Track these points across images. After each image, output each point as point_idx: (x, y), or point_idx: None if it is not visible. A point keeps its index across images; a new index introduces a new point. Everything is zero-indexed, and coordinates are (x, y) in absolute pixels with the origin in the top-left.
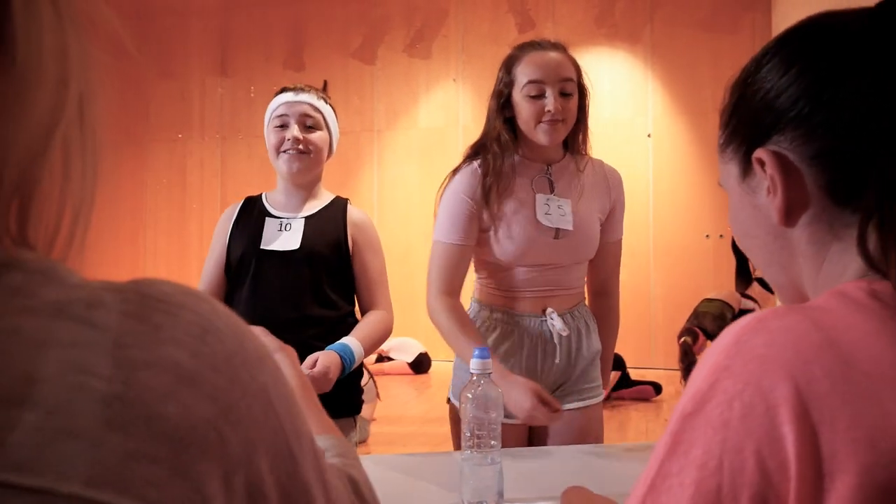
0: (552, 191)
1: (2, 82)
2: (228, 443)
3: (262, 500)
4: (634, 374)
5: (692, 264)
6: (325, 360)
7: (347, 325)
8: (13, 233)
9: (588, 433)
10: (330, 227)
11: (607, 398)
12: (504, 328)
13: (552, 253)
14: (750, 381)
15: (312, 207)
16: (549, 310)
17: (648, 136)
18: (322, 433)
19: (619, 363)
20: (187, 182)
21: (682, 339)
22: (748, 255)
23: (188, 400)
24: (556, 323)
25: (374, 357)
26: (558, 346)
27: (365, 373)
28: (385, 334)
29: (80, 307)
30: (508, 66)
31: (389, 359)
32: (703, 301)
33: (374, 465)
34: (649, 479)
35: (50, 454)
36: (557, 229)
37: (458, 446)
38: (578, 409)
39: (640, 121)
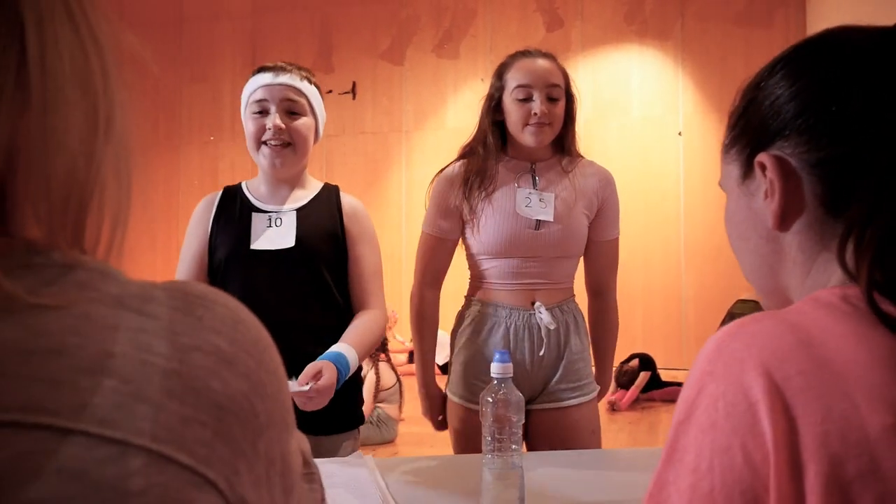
0: (535, 186)
1: (29, 119)
2: (257, 413)
3: (271, 466)
4: (665, 375)
5: (724, 264)
6: (329, 372)
7: (346, 325)
8: (70, 242)
9: (580, 429)
10: (325, 219)
11: (636, 400)
12: (492, 321)
13: (534, 243)
14: (731, 382)
15: (302, 197)
16: (538, 303)
17: (679, 134)
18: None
19: (649, 364)
20: (219, 184)
21: None
22: (738, 258)
23: (228, 377)
24: (543, 316)
25: (404, 357)
26: (545, 340)
27: (392, 374)
28: (379, 337)
29: (136, 301)
30: (500, 72)
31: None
32: (737, 302)
33: (397, 467)
34: (649, 491)
35: (124, 413)
36: (538, 221)
37: (457, 447)
38: (570, 406)
39: (671, 119)
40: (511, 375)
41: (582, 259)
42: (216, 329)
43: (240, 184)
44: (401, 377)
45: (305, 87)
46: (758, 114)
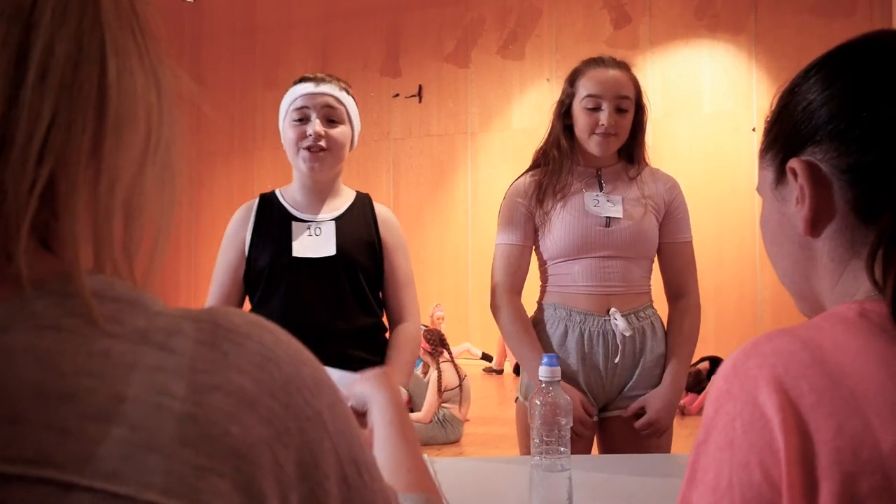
0: (601, 190)
1: (105, 133)
2: (283, 463)
3: None
4: None
5: None
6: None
7: (382, 331)
8: (120, 261)
9: (655, 437)
10: (361, 228)
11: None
12: (566, 326)
13: (606, 241)
14: (747, 400)
15: (337, 207)
16: (613, 309)
17: (753, 130)
18: (412, 487)
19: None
20: None
21: None
22: (772, 262)
23: (248, 421)
24: (618, 323)
25: (483, 365)
26: (620, 347)
27: (455, 374)
28: (416, 349)
29: (161, 335)
30: (572, 78)
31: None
32: None
33: (450, 468)
34: None
35: (132, 465)
36: (608, 218)
37: (523, 447)
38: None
39: (744, 114)
40: (559, 379)
41: (658, 265)
42: (241, 368)
43: (274, 192)
44: (463, 379)
45: (344, 97)
46: (791, 119)
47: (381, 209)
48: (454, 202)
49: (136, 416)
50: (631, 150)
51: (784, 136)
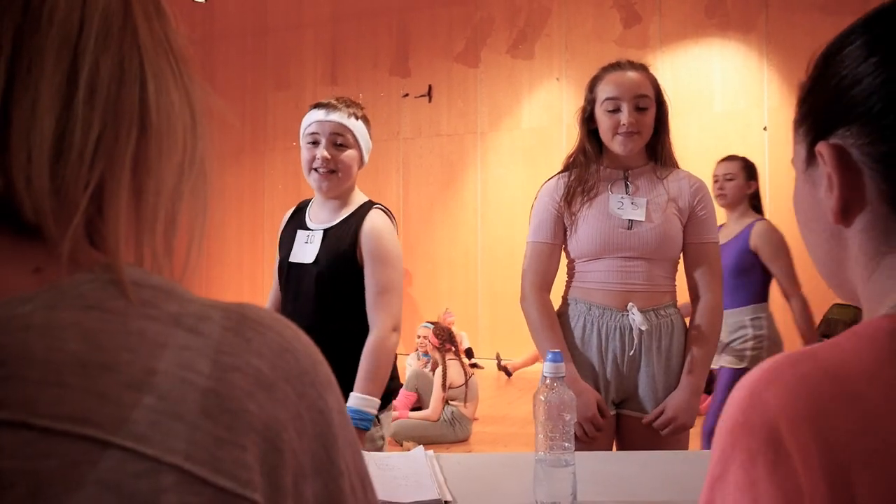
0: (627, 192)
1: (148, 147)
2: (297, 451)
3: None
4: None
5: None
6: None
7: (351, 338)
8: (160, 256)
9: (669, 437)
10: (344, 240)
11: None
12: (586, 320)
13: (627, 243)
14: (769, 438)
15: (338, 217)
16: (631, 304)
17: (764, 129)
18: None
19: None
20: (301, 188)
21: None
22: (806, 245)
23: (264, 401)
24: (635, 317)
25: (495, 364)
26: (637, 340)
27: (463, 373)
28: (385, 363)
29: (192, 319)
30: (592, 85)
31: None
32: (833, 306)
33: (456, 464)
34: None
35: (159, 430)
36: (631, 220)
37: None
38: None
39: (756, 113)
40: (563, 375)
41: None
42: (261, 353)
43: (309, 200)
44: (469, 377)
45: (352, 123)
46: (822, 94)
47: (370, 221)
48: (464, 201)
49: (164, 387)
50: (657, 150)
51: (815, 113)
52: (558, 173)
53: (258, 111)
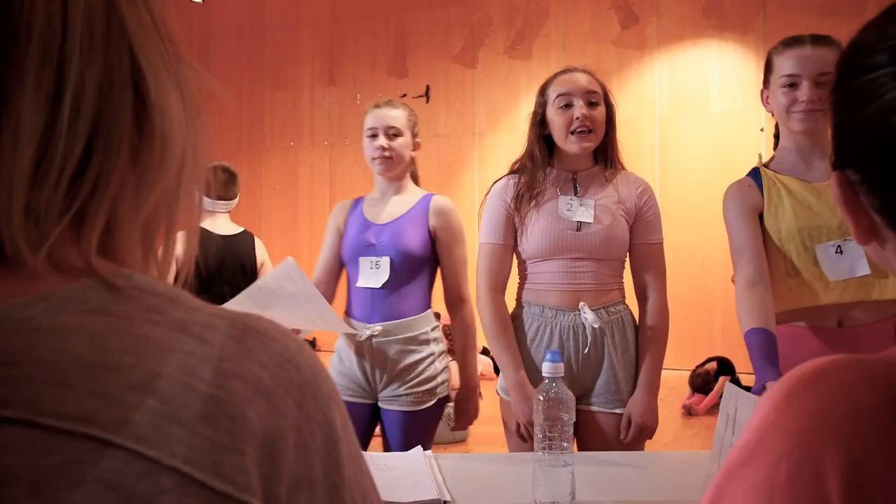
0: (576, 194)
1: (151, 151)
2: (291, 458)
3: None
4: (746, 380)
5: None
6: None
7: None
8: (161, 262)
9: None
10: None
11: (715, 404)
12: (540, 322)
13: (577, 244)
14: (799, 442)
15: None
16: (582, 303)
17: (761, 130)
18: None
19: (728, 369)
20: (298, 187)
21: None
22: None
23: (263, 410)
24: (588, 315)
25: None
26: (590, 338)
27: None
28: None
29: (198, 327)
30: (543, 89)
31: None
32: None
33: (454, 464)
34: None
35: (161, 433)
36: (579, 222)
37: (513, 442)
38: (615, 412)
39: (753, 114)
40: (562, 375)
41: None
42: (262, 362)
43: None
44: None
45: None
46: (839, 110)
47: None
48: (461, 202)
49: (167, 391)
50: (607, 151)
51: (835, 131)
52: (506, 174)
53: (255, 111)
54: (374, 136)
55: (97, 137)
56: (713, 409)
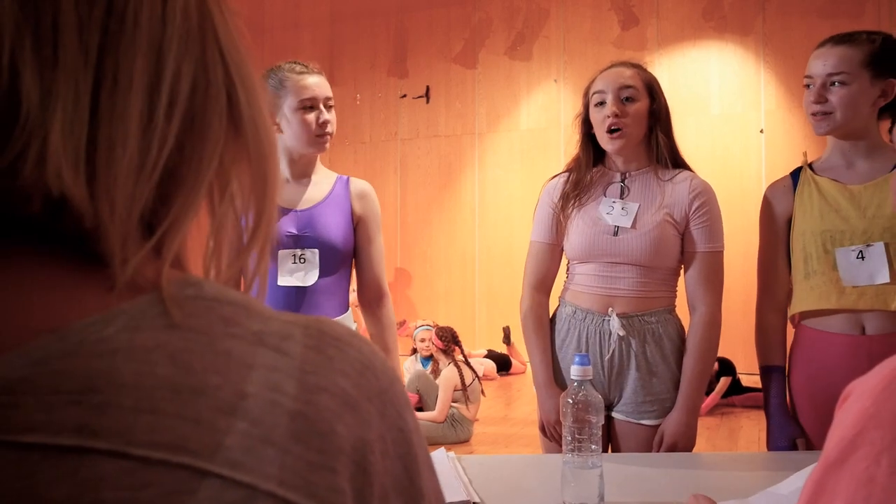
0: (622, 196)
1: (248, 149)
2: (379, 468)
3: None
4: (746, 381)
5: None
6: None
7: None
8: (222, 266)
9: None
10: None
11: (717, 405)
12: (571, 323)
13: (612, 249)
14: None
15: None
16: (611, 309)
17: (761, 131)
18: None
19: (729, 369)
20: None
21: None
22: None
23: (351, 423)
24: (613, 322)
25: (496, 366)
26: (615, 345)
27: (470, 373)
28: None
29: (275, 338)
30: (586, 88)
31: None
32: None
33: (479, 465)
34: None
35: (253, 457)
36: (617, 227)
37: (544, 445)
38: (646, 424)
39: (752, 116)
40: (590, 378)
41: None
42: (344, 371)
43: None
44: (472, 381)
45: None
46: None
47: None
48: (461, 203)
49: (255, 411)
50: (658, 150)
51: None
52: (560, 173)
53: None
54: (312, 107)
55: (188, 137)
56: (715, 409)
